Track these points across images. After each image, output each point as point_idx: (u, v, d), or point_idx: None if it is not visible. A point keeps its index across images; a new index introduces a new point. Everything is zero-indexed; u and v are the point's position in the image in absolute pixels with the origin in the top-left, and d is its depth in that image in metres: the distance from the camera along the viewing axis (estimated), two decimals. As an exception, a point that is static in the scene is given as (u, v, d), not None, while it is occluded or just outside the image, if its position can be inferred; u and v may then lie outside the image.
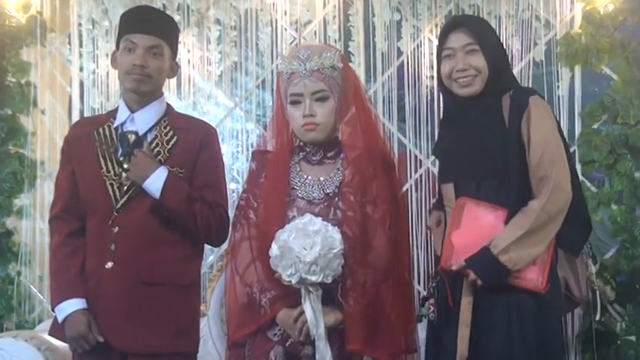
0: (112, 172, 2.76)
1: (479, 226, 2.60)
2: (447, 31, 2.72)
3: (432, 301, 2.68)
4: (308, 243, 2.43)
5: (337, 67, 2.58)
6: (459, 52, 2.66)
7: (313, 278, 2.44)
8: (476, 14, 4.06)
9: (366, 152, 2.58)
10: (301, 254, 2.42)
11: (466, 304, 2.61)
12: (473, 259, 2.57)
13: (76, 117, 4.38)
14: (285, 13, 4.27)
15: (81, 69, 4.41)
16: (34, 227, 4.37)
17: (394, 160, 2.70)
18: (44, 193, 4.36)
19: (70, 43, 4.45)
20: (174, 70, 2.89)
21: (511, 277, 2.58)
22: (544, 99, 2.80)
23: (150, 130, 2.81)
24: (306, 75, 2.54)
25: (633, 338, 3.80)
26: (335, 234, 2.46)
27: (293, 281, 2.45)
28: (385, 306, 2.55)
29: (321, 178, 2.60)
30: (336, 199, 2.56)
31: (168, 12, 4.23)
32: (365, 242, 2.52)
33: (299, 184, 2.60)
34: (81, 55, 4.41)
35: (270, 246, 2.50)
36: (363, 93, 2.70)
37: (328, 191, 2.58)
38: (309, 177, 2.60)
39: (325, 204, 2.56)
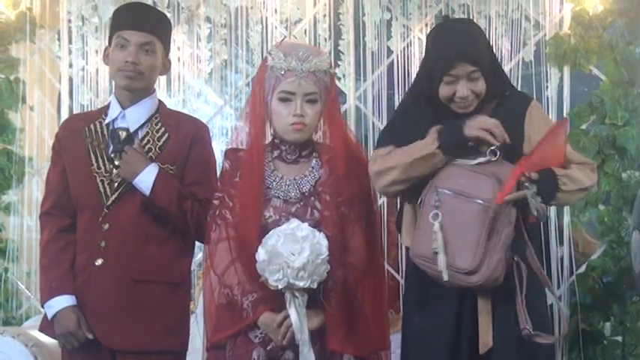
0: (103, 169, 2.76)
1: (550, 149, 2.55)
2: (452, 60, 2.59)
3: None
4: (296, 249, 2.43)
5: (328, 72, 2.60)
6: (463, 79, 2.58)
7: (301, 284, 2.44)
8: (465, 14, 4.08)
9: (340, 152, 2.59)
10: (290, 260, 2.42)
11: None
12: (542, 174, 2.48)
13: (65, 113, 4.36)
14: (276, 11, 4.26)
15: (70, 65, 4.39)
16: (21, 224, 4.34)
17: (365, 157, 2.72)
18: (32, 189, 4.34)
19: (59, 40, 4.42)
20: (166, 67, 2.89)
21: None
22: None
23: (141, 126, 2.80)
24: (302, 75, 2.54)
25: (619, 338, 3.82)
26: (322, 240, 2.47)
27: (280, 286, 2.45)
28: (363, 304, 2.56)
29: (297, 177, 2.60)
30: (312, 198, 2.57)
31: (158, 9, 4.23)
32: (343, 242, 2.53)
33: (274, 183, 2.59)
34: (70, 52, 4.38)
35: (248, 247, 2.50)
36: (336, 93, 2.71)
37: (304, 190, 2.58)
38: (284, 176, 2.60)
39: (301, 203, 2.57)
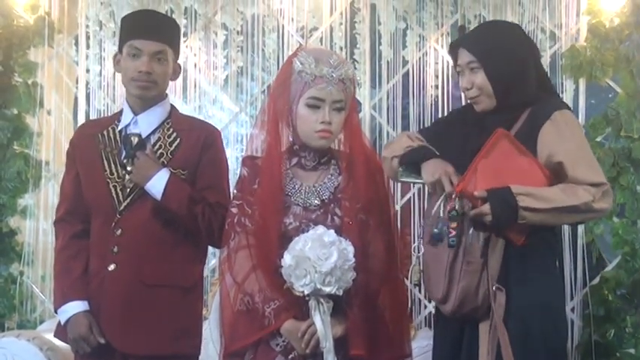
0: (116, 175, 2.78)
1: (508, 165, 2.50)
2: (454, 48, 2.70)
3: (453, 224, 2.47)
4: (324, 253, 2.41)
5: (352, 80, 2.59)
6: (465, 69, 2.64)
7: (327, 289, 2.42)
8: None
9: (358, 158, 2.58)
10: (317, 264, 2.40)
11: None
12: (493, 191, 2.47)
13: (81, 118, 4.39)
14: (292, 20, 4.29)
15: (87, 70, 4.43)
16: (37, 227, 4.37)
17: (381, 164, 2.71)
18: (48, 193, 4.38)
19: (77, 45, 4.46)
20: (176, 72, 2.89)
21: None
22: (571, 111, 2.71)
23: (153, 132, 2.81)
24: (332, 82, 2.52)
25: (632, 351, 3.82)
26: (348, 246, 2.46)
27: (306, 291, 2.43)
28: (384, 310, 2.55)
29: (316, 185, 2.58)
30: (332, 205, 2.55)
31: (175, 16, 4.26)
32: (363, 248, 2.52)
33: (293, 190, 2.58)
34: (87, 57, 4.42)
35: (269, 254, 2.49)
36: (355, 101, 2.70)
37: (324, 197, 2.56)
38: (303, 183, 2.59)
39: (321, 210, 2.55)
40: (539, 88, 2.66)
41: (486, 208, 2.46)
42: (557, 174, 2.53)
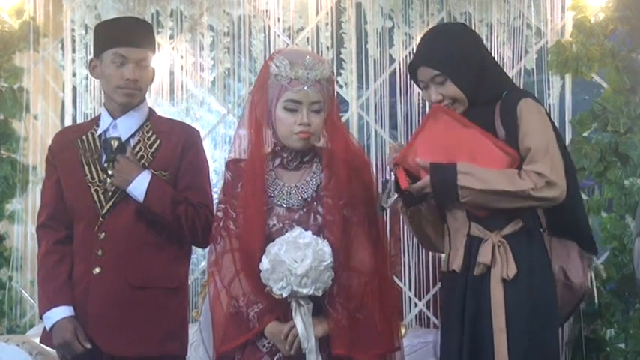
0: (97, 179, 2.78)
1: (452, 138, 2.56)
2: (413, 68, 2.71)
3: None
4: (299, 256, 2.43)
5: (330, 80, 2.59)
6: (431, 83, 2.65)
7: (304, 291, 2.44)
8: (467, 22, 4.09)
9: (340, 155, 2.57)
10: (292, 267, 2.42)
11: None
12: (437, 165, 2.52)
13: (68, 122, 4.38)
14: (278, 20, 4.29)
15: (73, 74, 4.42)
16: (25, 232, 4.37)
17: (367, 160, 2.73)
18: (36, 198, 4.34)
19: (62, 49, 4.45)
20: (153, 76, 2.90)
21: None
22: (538, 101, 2.70)
23: (133, 135, 2.82)
24: (308, 83, 2.52)
25: (622, 345, 3.83)
26: (325, 247, 2.46)
27: (284, 294, 2.45)
28: (371, 307, 2.55)
29: (298, 184, 2.59)
30: (315, 204, 2.56)
31: (161, 18, 4.28)
32: (347, 246, 2.52)
33: (275, 192, 2.58)
34: (74, 61, 4.41)
35: (253, 257, 2.50)
36: (335, 99, 2.70)
37: (306, 197, 2.57)
38: (285, 184, 2.59)
39: (304, 210, 2.55)
40: (504, 80, 2.73)
41: (426, 180, 2.52)
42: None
